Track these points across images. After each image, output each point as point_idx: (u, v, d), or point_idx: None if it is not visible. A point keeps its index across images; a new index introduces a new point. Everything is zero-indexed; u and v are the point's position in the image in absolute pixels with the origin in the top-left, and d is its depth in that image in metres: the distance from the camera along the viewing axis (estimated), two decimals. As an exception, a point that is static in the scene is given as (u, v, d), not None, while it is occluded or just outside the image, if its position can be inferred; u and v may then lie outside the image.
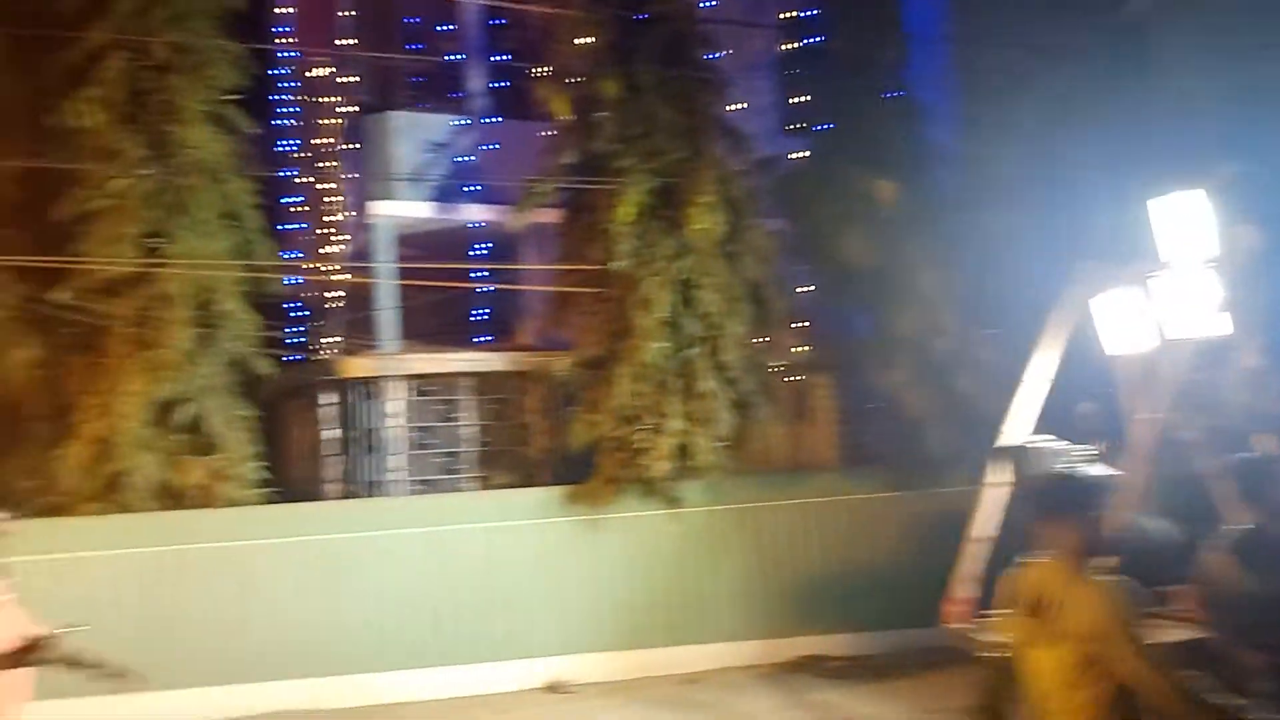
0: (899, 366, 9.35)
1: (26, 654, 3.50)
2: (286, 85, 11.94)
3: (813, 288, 10.38)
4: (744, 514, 9.19)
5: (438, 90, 11.61)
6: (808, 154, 10.38)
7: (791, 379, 10.32)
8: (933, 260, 9.34)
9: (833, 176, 9.71)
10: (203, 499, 8.33)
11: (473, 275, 11.02)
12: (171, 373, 8.21)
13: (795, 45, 10.90)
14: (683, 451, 9.00)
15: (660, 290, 9.04)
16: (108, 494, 8.07)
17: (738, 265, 9.42)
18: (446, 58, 11.56)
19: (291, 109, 11.95)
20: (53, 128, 8.23)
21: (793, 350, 10.08)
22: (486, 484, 10.07)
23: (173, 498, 8.27)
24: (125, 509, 8.08)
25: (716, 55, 9.92)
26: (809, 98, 10.60)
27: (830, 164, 9.86)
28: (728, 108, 9.86)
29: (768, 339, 9.68)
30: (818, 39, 10.73)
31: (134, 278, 8.27)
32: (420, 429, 10.22)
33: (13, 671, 3.51)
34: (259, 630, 8.20)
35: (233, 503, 8.39)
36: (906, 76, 10.25)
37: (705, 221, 9.09)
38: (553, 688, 8.55)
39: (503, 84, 11.41)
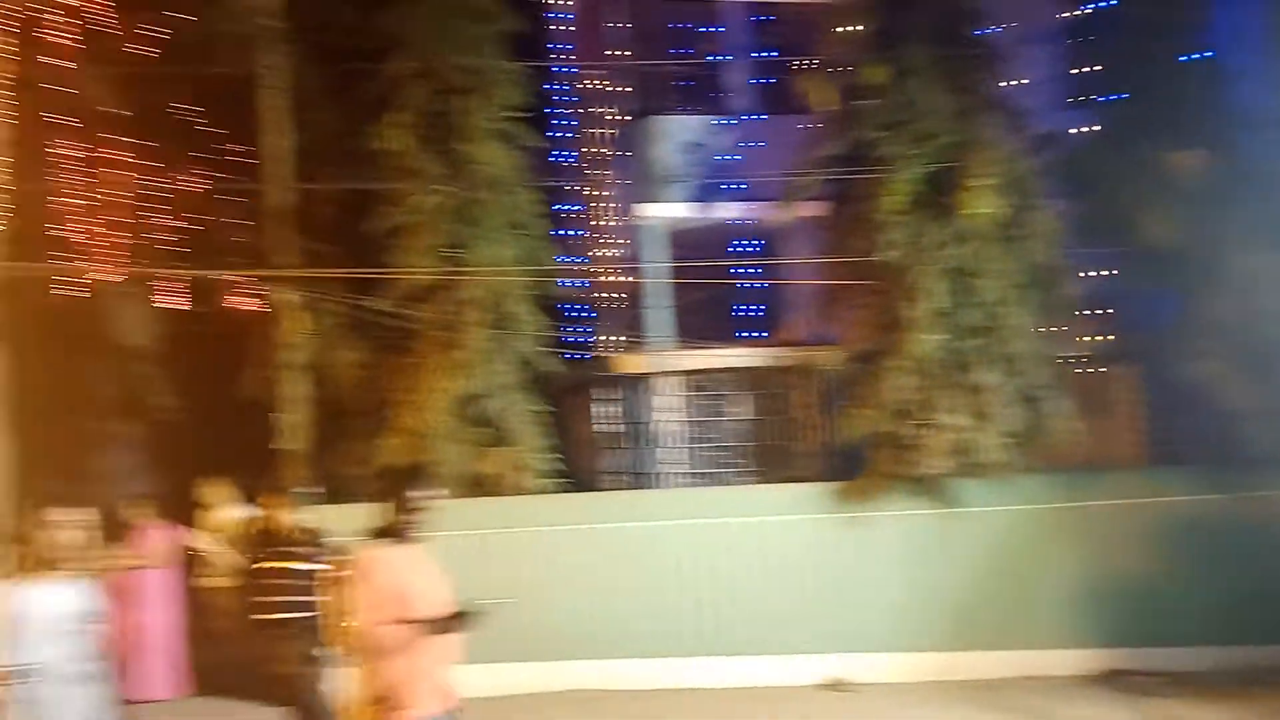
0: (1214, 356, 8.44)
1: (453, 621, 3.91)
2: (561, 98, 12.59)
3: (1112, 272, 9.59)
4: (1035, 516, 8.64)
5: (704, 91, 11.83)
6: (1098, 128, 9.61)
7: (1090, 370, 9.59)
8: (1251, 238, 8.37)
9: (1129, 150, 8.94)
10: (499, 487, 8.96)
11: (740, 271, 11.13)
12: (471, 371, 8.91)
13: (1080, 11, 10.11)
14: (964, 448, 8.62)
15: (933, 280, 8.70)
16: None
17: (1021, 250, 8.87)
18: (711, 58, 11.74)
19: (566, 120, 12.59)
20: (363, 152, 9.11)
21: (1090, 339, 9.37)
22: (758, 478, 10.15)
23: (475, 485, 8.96)
24: (434, 496, 8.84)
25: (991, 29, 9.42)
26: (1097, 67, 9.80)
27: (1125, 137, 9.08)
28: (1005, 84, 9.34)
29: (1060, 328, 9.06)
30: (1105, 2, 9.90)
31: (437, 285, 9.03)
32: (693, 423, 10.46)
33: (443, 636, 3.93)
34: (550, 612, 8.65)
35: (526, 491, 8.97)
36: (1210, 36, 9.25)
37: (982, 206, 8.64)
38: (832, 685, 8.47)
39: (768, 80, 11.43)
